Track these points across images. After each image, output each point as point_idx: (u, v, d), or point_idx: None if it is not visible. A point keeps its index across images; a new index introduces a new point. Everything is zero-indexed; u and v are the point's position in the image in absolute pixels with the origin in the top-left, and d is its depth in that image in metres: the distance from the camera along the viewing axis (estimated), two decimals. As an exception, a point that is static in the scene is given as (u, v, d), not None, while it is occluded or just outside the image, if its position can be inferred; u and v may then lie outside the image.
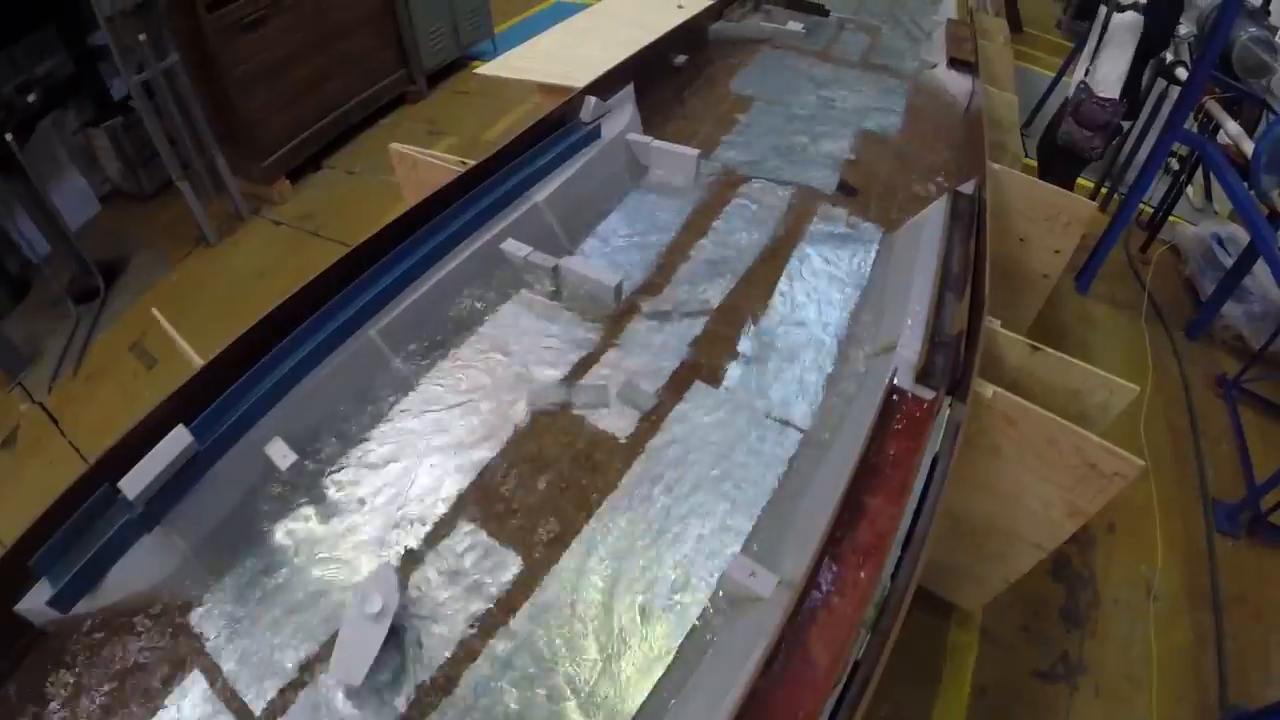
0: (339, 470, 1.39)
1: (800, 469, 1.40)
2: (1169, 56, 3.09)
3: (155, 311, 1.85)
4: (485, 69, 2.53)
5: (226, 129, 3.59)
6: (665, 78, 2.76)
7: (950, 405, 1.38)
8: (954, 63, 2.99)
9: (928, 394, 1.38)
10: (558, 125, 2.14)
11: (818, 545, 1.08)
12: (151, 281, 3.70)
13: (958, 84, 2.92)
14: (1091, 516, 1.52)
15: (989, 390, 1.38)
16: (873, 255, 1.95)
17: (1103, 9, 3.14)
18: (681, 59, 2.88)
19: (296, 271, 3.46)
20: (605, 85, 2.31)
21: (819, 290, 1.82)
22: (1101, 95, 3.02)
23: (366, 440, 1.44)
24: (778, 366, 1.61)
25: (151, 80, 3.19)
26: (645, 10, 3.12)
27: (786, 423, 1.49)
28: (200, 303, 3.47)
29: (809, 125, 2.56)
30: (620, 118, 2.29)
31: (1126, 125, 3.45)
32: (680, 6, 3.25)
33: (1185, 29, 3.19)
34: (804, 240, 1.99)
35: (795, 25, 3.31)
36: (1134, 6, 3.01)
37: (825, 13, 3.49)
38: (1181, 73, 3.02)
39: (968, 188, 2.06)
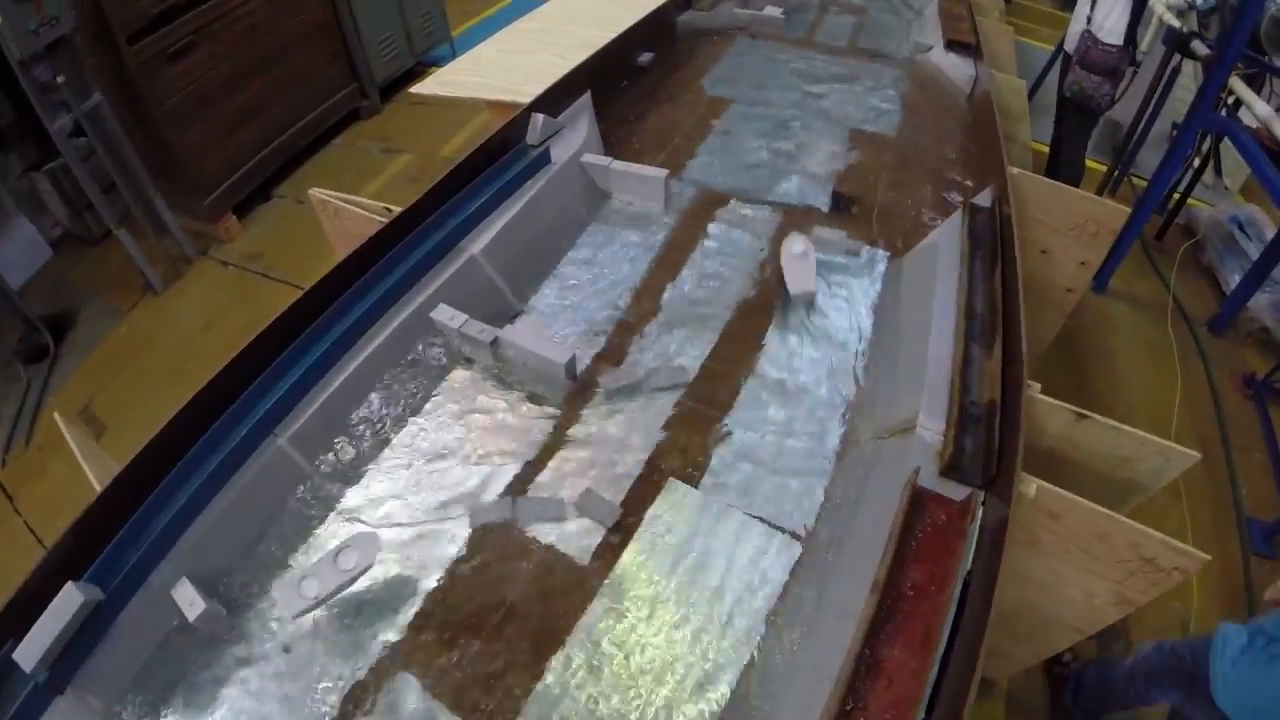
0: (256, 608, 1.13)
1: (800, 596, 1.11)
2: (1177, 23, 2.76)
3: (57, 417, 1.60)
4: (420, 87, 2.22)
5: (163, 167, 3.29)
6: (628, 82, 2.44)
7: (985, 502, 1.09)
8: (952, 44, 2.65)
9: (958, 493, 1.09)
10: (501, 151, 1.83)
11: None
12: (101, 335, 3.44)
13: (958, 68, 2.58)
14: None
15: (1032, 487, 1.08)
16: (878, 288, 1.65)
17: None
18: (646, 57, 2.56)
19: (245, 320, 3.26)
20: (556, 98, 1.99)
21: (816, 341, 1.52)
22: (1107, 42, 2.82)
23: (288, 570, 1.18)
24: (771, 452, 1.31)
25: (77, 122, 2.90)
26: (602, 4, 2.79)
27: (780, 529, 1.20)
28: (149, 360, 3.21)
29: (794, 128, 2.24)
30: (574, 136, 1.98)
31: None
32: None
33: None
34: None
35: (773, 10, 2.97)
36: None
37: (817, -4, 3.15)
38: (1200, 47, 2.69)
39: (984, 198, 1.74)
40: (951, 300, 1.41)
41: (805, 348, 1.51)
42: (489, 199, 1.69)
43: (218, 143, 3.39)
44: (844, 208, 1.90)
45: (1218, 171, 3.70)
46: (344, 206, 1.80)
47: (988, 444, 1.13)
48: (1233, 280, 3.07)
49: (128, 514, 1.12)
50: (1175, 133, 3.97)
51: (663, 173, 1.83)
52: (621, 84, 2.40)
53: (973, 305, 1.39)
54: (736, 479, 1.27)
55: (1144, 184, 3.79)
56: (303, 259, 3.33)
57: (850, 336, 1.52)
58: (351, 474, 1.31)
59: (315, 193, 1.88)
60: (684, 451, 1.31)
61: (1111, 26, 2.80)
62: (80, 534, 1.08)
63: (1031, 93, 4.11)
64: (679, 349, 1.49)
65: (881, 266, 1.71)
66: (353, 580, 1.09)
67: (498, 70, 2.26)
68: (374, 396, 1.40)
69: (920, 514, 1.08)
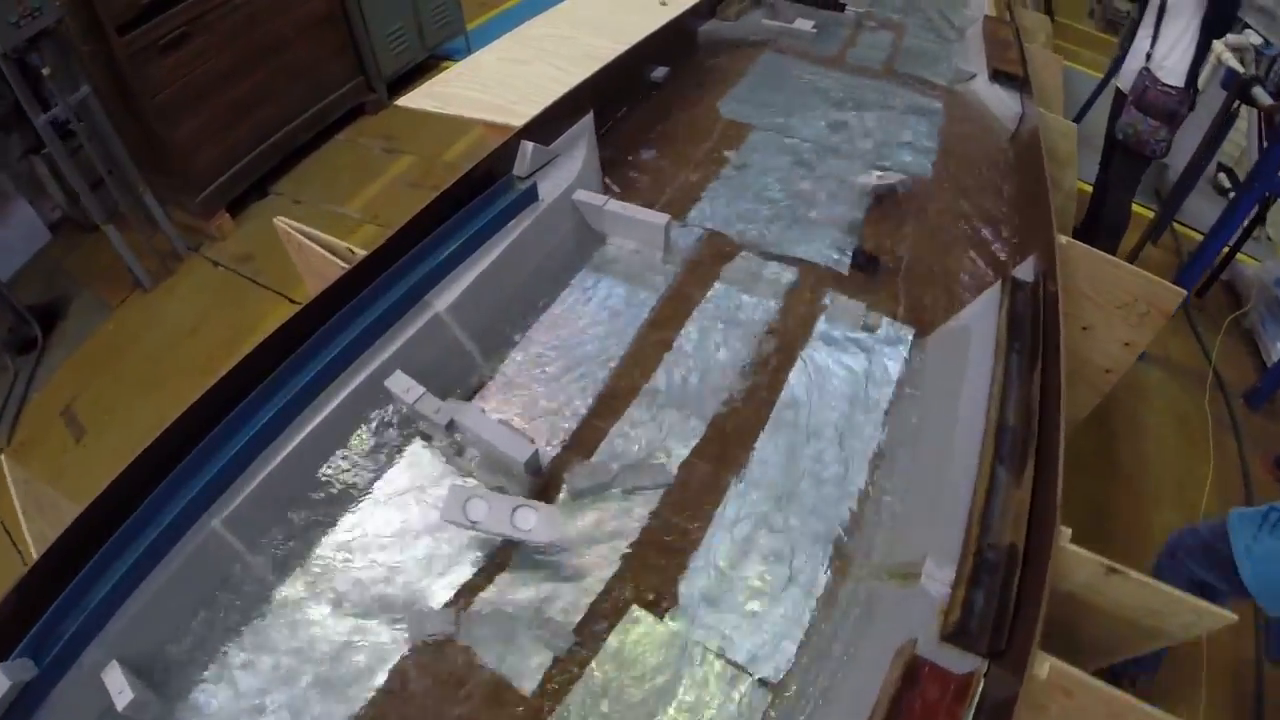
0: (190, 697, 1.02)
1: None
2: (1240, 67, 2.47)
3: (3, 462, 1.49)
4: (409, 99, 2.03)
5: (154, 162, 3.16)
6: (638, 100, 2.23)
7: (988, 673, 0.90)
8: (997, 75, 2.39)
9: (960, 664, 0.90)
10: (485, 183, 1.65)
11: None
12: (90, 330, 3.36)
13: (1002, 102, 2.33)
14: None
15: (1045, 668, 0.89)
16: (897, 374, 1.44)
17: None
18: (660, 73, 2.35)
19: (229, 328, 3.14)
20: (552, 120, 1.80)
21: (818, 441, 1.32)
22: (1167, 83, 2.53)
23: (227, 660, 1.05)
24: (751, 580, 1.13)
25: (65, 116, 2.78)
26: (618, 10, 2.57)
27: (749, 673, 1.02)
28: (132, 362, 3.12)
29: (818, 165, 2.02)
30: (569, 166, 1.78)
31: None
32: (664, 3, 2.69)
33: (1255, 37, 2.56)
34: (804, 353, 1.48)
35: (804, 23, 2.73)
36: None
37: (840, 7, 2.88)
38: (1262, 95, 2.42)
39: (1026, 270, 1.52)
40: (981, 404, 1.21)
41: (807, 441, 1.32)
42: (463, 245, 1.51)
43: (212, 137, 3.25)
44: (867, 267, 1.69)
45: (1261, 219, 3.40)
46: (306, 243, 1.64)
47: (1001, 604, 0.94)
48: (1275, 351, 2.81)
49: (58, 590, 1.00)
50: (1219, 175, 3.66)
51: (663, 219, 1.63)
52: (630, 102, 2.19)
53: (1004, 415, 1.18)
54: (707, 611, 1.09)
55: (1188, 232, 3.52)
56: (291, 265, 3.18)
57: (856, 443, 1.32)
58: (291, 560, 1.16)
59: (280, 223, 1.72)
60: (652, 571, 1.13)
61: (1173, 66, 2.52)
62: (14, 607, 0.96)
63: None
64: (662, 439, 1.31)
65: (903, 350, 1.49)
66: (512, 540, 1.08)
67: (494, 83, 2.07)
68: (321, 473, 1.24)
69: (913, 687, 0.90)
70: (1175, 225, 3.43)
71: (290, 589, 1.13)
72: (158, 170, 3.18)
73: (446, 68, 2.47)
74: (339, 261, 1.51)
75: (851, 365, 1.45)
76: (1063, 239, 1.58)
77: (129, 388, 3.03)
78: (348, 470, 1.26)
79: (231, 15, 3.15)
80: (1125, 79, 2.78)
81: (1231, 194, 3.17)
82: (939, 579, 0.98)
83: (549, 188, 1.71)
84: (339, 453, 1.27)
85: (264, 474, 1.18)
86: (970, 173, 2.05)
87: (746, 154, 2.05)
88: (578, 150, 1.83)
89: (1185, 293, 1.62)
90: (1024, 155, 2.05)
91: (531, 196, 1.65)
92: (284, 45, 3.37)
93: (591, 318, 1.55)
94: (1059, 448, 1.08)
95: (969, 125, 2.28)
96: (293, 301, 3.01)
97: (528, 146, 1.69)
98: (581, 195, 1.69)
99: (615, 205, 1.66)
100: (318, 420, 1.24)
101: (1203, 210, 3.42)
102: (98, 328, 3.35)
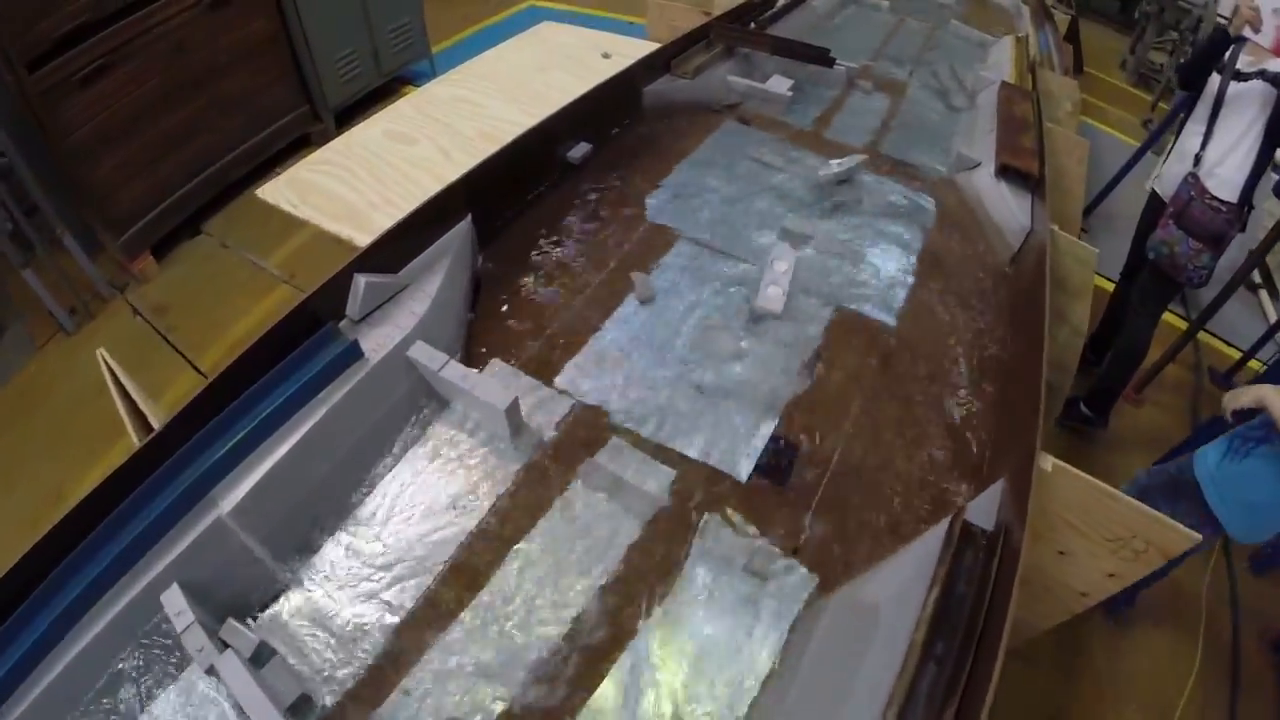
0: None
1: None
2: None
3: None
4: (265, 191, 1.71)
5: (76, 200, 2.94)
6: (546, 190, 1.85)
7: None
8: (1006, 170, 1.92)
9: None
10: (308, 330, 1.31)
11: None
12: (15, 368, 3.20)
13: (1008, 207, 1.87)
14: None
15: None
16: (780, 644, 1.06)
17: (1215, 77, 2.03)
18: (580, 151, 1.92)
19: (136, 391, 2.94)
20: (410, 235, 1.45)
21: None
22: (1217, 196, 2.02)
23: None
24: None
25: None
26: (549, 63, 2.18)
27: None
28: (39, 420, 2.93)
29: (749, 302, 1.59)
30: (417, 303, 1.42)
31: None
32: (607, 56, 2.29)
33: None
34: (664, 607, 1.10)
35: (780, 83, 2.29)
36: (1261, 75, 1.91)
37: (829, 61, 2.42)
38: None
39: (985, 509, 1.12)
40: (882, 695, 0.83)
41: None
42: (259, 425, 1.18)
43: (138, 174, 2.99)
44: (775, 471, 1.29)
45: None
46: (112, 390, 1.36)
47: None
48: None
49: None
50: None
51: (506, 400, 1.26)
52: (534, 195, 1.81)
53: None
54: None
55: (1212, 341, 2.96)
56: (206, 323, 2.96)
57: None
58: None
59: (101, 354, 1.44)
60: None
61: (1227, 176, 2.01)
62: None
63: (1091, 207, 3.22)
64: (466, 696, 0.97)
65: (802, 596, 1.11)
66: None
67: (365, 170, 1.73)
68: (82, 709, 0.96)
69: None
70: (1200, 337, 2.87)
71: None
72: (76, 210, 2.95)
73: (408, 93, 2.18)
74: (133, 435, 1.22)
75: (714, 634, 1.07)
76: (1047, 463, 1.16)
77: (37, 447, 2.84)
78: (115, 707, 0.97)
79: (158, 43, 2.87)
80: (1166, 183, 2.25)
81: (1262, 289, 2.61)
82: None
83: (384, 335, 1.36)
84: (104, 680, 0.98)
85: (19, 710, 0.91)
86: (949, 315, 1.62)
87: (662, 277, 1.64)
88: (435, 276, 1.47)
89: (1199, 538, 1.19)
90: (1022, 300, 1.60)
91: (353, 354, 1.31)
92: (218, 73, 3.08)
93: (413, 514, 1.21)
94: None
95: (961, 236, 1.83)
96: (198, 371, 2.76)
97: (360, 282, 1.35)
98: (419, 352, 1.34)
99: (454, 371, 1.30)
100: (82, 644, 0.97)
101: (1229, 313, 2.81)
102: (22, 369, 3.18)
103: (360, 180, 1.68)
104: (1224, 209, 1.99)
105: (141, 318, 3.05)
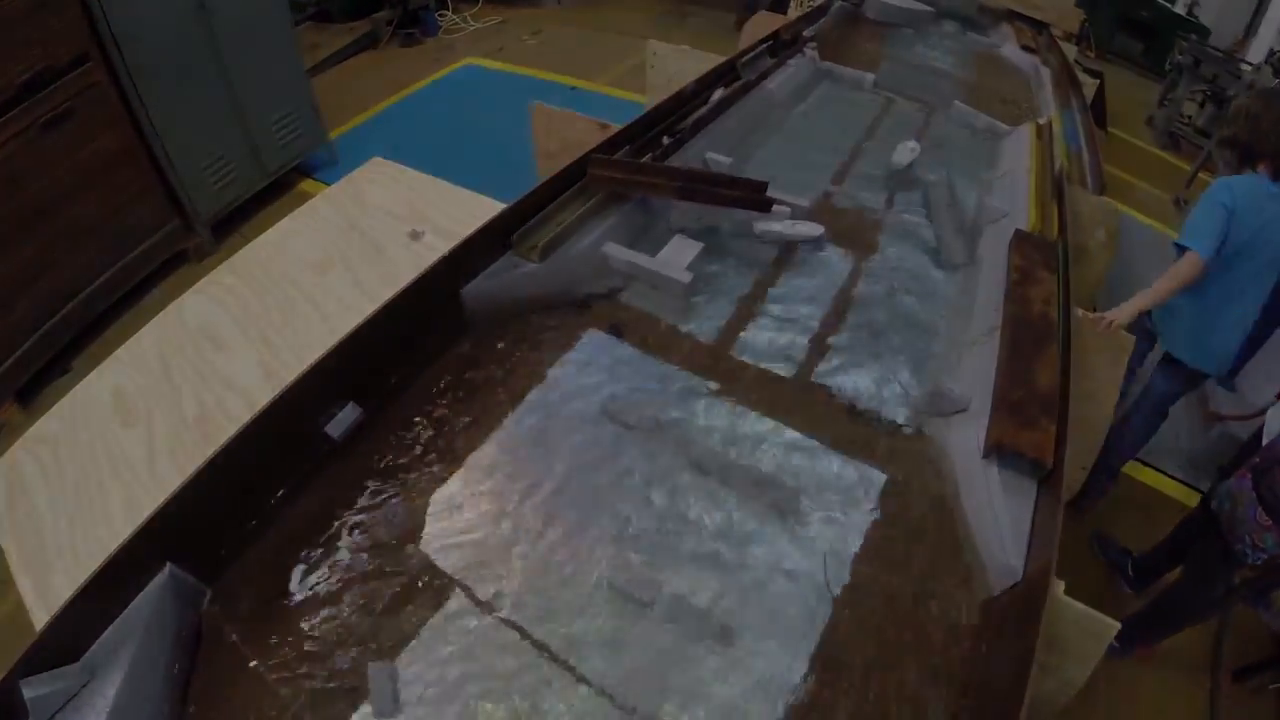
0: None
1: None
2: None
3: None
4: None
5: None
6: (294, 492, 1.29)
7: None
8: (1001, 451, 1.26)
9: None
10: None
11: None
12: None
13: (991, 520, 1.20)
14: None
15: None
16: None
17: None
18: (349, 418, 1.29)
19: None
20: (87, 609, 0.97)
21: None
22: None
23: None
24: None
25: None
26: (332, 255, 1.62)
27: None
28: None
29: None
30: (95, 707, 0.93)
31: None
32: (417, 235, 1.73)
33: None
34: None
35: (681, 251, 1.66)
36: None
37: (765, 205, 1.74)
38: None
39: None
40: None
41: None
42: None
43: (-18, 322, 2.63)
44: None
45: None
46: None
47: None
48: None
49: None
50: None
51: None
52: (273, 503, 1.27)
53: None
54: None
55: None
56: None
57: None
58: None
59: None
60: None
61: None
62: None
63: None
64: None
65: None
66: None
67: (24, 516, 1.23)
68: None
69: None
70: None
71: None
72: (-81, 365, 2.61)
73: (305, 187, 1.72)
74: None
75: None
76: None
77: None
78: None
79: (-18, 179, 2.45)
80: (1272, 426, 1.61)
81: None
82: None
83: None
84: None
85: None
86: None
87: (428, 674, 1.08)
88: (117, 670, 0.97)
89: None
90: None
91: None
92: (65, 200, 2.64)
93: None
94: None
95: (907, 570, 1.18)
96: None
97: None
98: None
99: None
100: None
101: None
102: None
103: (22, 534, 1.19)
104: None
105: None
